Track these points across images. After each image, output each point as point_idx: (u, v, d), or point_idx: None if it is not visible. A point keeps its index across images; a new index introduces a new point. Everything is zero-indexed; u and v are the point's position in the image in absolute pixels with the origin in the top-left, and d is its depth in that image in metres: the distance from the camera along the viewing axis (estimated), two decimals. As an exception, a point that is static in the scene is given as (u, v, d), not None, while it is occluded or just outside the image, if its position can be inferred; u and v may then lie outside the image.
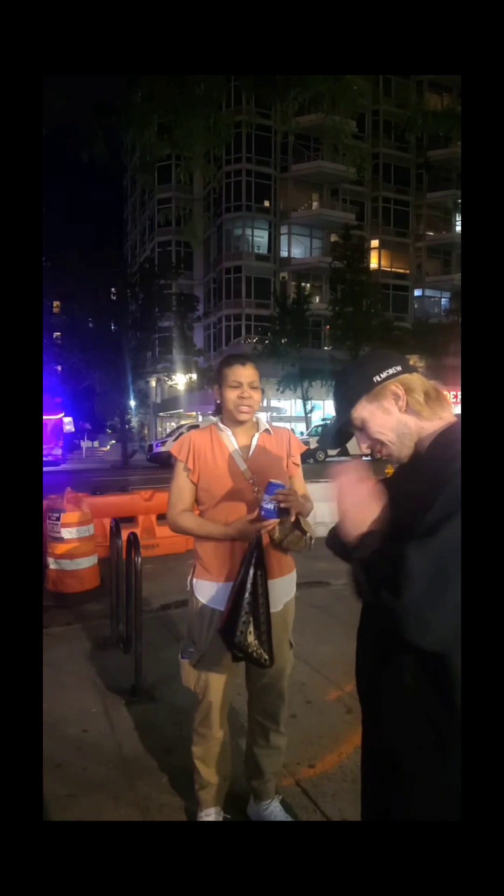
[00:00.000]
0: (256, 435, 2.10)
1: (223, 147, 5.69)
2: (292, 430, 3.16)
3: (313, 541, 1.99)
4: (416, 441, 1.25)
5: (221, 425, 2.09)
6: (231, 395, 2.01)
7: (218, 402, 2.10)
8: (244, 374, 2.01)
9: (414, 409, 1.23)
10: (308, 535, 1.97)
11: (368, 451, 1.33)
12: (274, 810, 2.27)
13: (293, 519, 1.91)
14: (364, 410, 1.26)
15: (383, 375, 1.25)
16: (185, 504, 2.08)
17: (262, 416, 2.17)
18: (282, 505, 1.82)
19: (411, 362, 1.31)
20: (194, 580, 2.11)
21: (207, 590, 2.06)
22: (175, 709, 3.20)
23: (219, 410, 2.13)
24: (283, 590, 2.11)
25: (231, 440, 2.06)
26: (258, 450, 2.08)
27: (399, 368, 1.25)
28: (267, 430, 2.13)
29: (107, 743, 2.90)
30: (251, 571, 1.88)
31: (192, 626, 2.14)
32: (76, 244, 23.80)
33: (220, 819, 2.21)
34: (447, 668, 1.07)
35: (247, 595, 1.85)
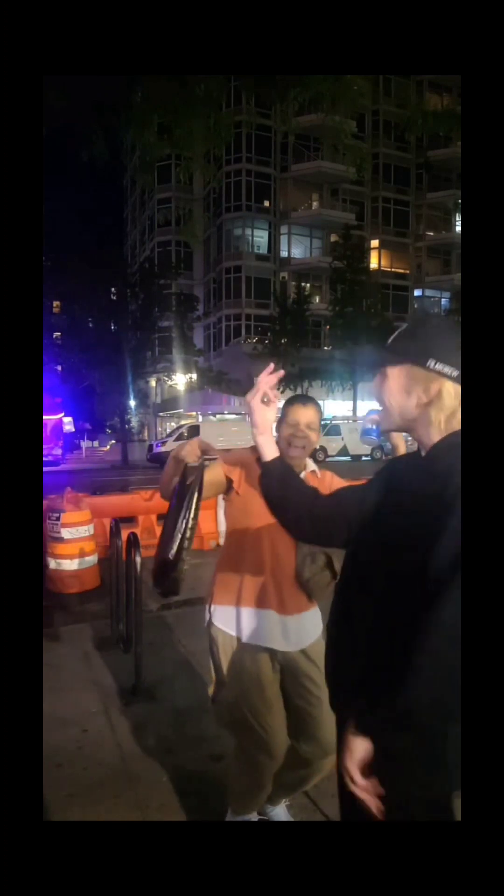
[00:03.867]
0: (303, 474, 2.05)
1: (223, 147, 5.70)
2: None
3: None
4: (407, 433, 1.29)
5: None
6: (285, 432, 1.97)
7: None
8: (304, 414, 1.97)
9: (428, 416, 1.19)
10: (336, 580, 1.93)
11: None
12: (279, 811, 2.27)
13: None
14: (396, 376, 1.23)
15: (438, 367, 1.17)
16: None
17: (309, 460, 2.11)
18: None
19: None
20: (216, 606, 2.09)
21: (228, 615, 2.05)
22: (175, 709, 3.21)
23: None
24: (303, 628, 2.03)
25: None
26: None
27: (455, 374, 1.17)
28: (314, 472, 2.09)
29: (107, 743, 2.90)
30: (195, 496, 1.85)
31: (218, 660, 2.10)
32: (76, 244, 23.76)
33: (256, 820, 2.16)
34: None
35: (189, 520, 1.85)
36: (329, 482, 2.10)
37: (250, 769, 2.02)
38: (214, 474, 2.00)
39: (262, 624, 1.98)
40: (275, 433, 2.01)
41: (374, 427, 1.77)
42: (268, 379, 1.39)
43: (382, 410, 1.27)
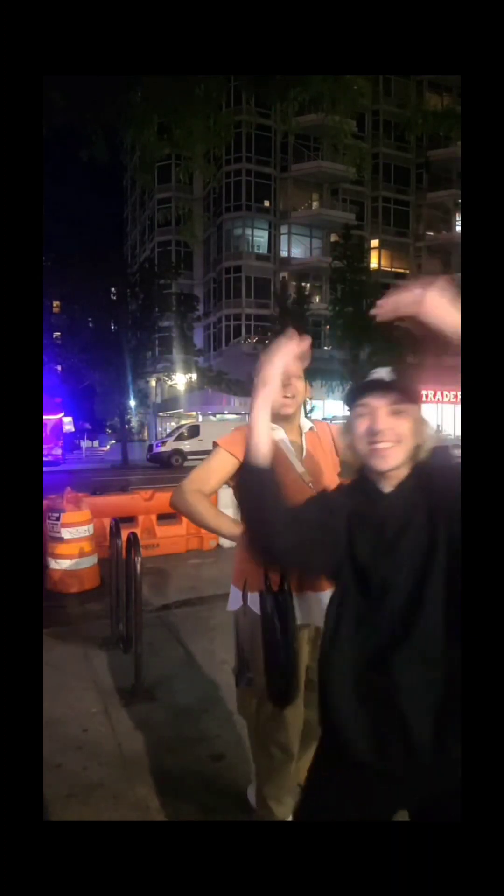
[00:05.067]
0: (304, 435, 1.98)
1: (223, 147, 5.71)
2: None
3: None
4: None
5: (272, 423, 1.98)
6: None
7: None
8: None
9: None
10: None
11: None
12: None
13: None
14: (413, 413, 1.22)
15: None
16: (206, 486, 1.92)
17: (304, 419, 2.05)
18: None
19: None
20: (249, 593, 1.91)
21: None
22: (175, 709, 3.21)
23: None
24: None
25: (285, 440, 1.92)
26: (310, 451, 1.96)
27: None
28: (312, 429, 2.03)
29: (107, 743, 2.90)
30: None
31: (246, 646, 1.95)
32: (76, 244, 23.78)
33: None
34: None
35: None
36: (328, 432, 2.04)
37: (268, 754, 1.98)
38: (224, 469, 1.90)
39: (308, 604, 1.89)
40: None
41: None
42: (288, 348, 1.25)
43: (398, 447, 1.21)
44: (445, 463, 1.23)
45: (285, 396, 1.86)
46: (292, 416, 1.94)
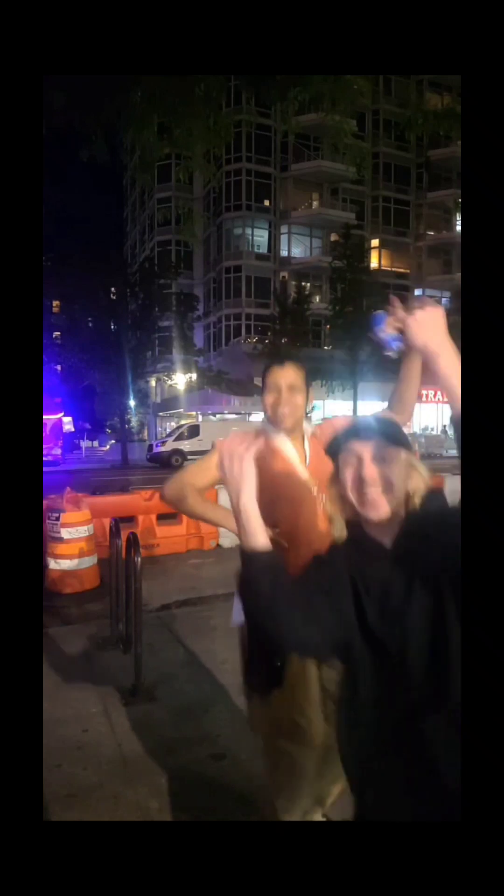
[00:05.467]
0: (306, 440, 1.92)
1: (223, 146, 5.70)
2: None
3: None
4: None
5: (272, 429, 1.89)
6: (269, 400, 1.84)
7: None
8: (282, 375, 1.82)
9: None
10: None
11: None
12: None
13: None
14: (402, 460, 1.17)
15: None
16: (199, 480, 1.89)
17: (305, 424, 1.97)
18: (398, 324, 1.67)
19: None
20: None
21: None
22: (175, 709, 3.21)
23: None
24: None
25: (287, 445, 1.88)
26: (313, 456, 1.90)
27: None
28: (314, 434, 1.96)
29: (107, 743, 2.90)
30: None
31: (254, 661, 1.88)
32: (76, 244, 23.77)
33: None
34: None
35: None
36: (332, 434, 1.98)
37: (281, 769, 1.93)
38: (210, 466, 1.85)
39: None
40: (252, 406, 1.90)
41: (396, 333, 1.64)
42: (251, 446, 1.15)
43: (389, 494, 1.15)
44: (442, 509, 1.17)
45: (282, 410, 1.82)
46: (289, 429, 1.88)
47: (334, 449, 1.22)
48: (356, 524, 1.22)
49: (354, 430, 1.20)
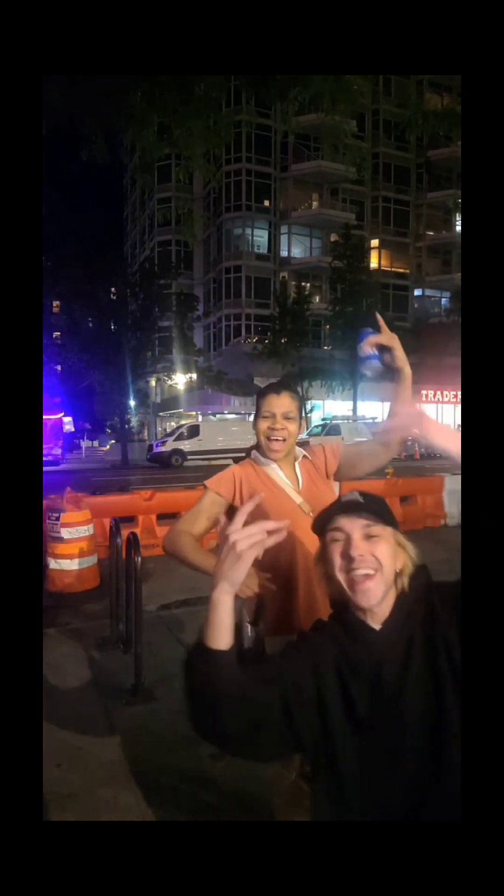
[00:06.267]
0: (297, 464, 1.90)
1: (223, 147, 5.71)
2: None
3: None
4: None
5: (262, 458, 1.87)
6: (262, 426, 1.82)
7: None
8: (278, 404, 1.81)
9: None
10: None
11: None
12: None
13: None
14: (389, 537, 1.15)
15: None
16: (195, 527, 1.87)
17: (297, 447, 1.94)
18: (383, 342, 1.61)
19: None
20: (265, 637, 1.74)
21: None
22: (175, 709, 3.21)
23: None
24: None
25: (279, 473, 1.86)
26: (306, 480, 1.88)
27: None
28: (306, 457, 1.93)
29: (107, 743, 2.90)
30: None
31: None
32: (76, 244, 23.74)
33: None
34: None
35: None
36: (322, 457, 1.93)
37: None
38: (210, 504, 1.84)
39: None
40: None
41: (374, 352, 1.60)
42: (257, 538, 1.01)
43: (378, 575, 1.10)
44: (433, 585, 1.15)
45: (276, 439, 1.81)
46: (281, 454, 1.85)
47: (321, 526, 1.19)
48: (342, 603, 1.16)
49: (342, 505, 1.17)
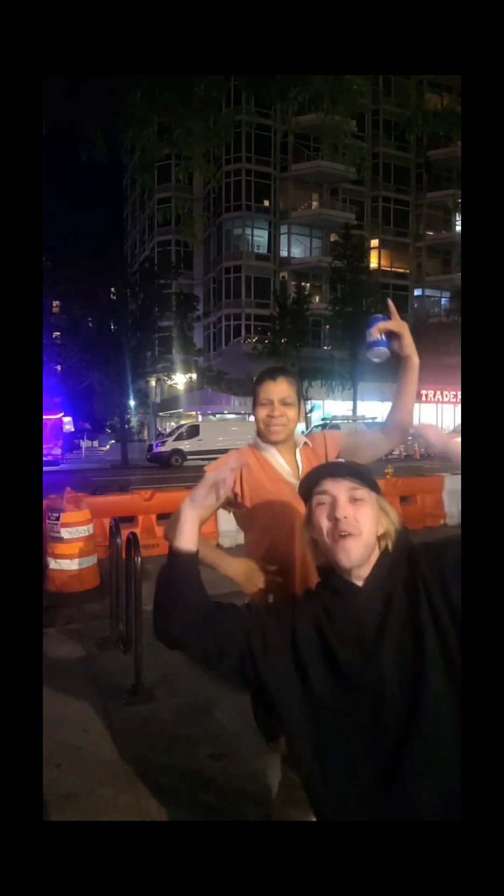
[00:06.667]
0: (298, 451, 1.89)
1: (223, 147, 5.71)
2: None
3: None
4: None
5: (262, 444, 1.88)
6: (261, 414, 1.82)
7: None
8: (275, 390, 1.82)
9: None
10: None
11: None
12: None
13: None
14: (373, 501, 1.19)
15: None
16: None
17: (298, 434, 1.93)
18: (393, 328, 1.62)
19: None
20: None
21: None
22: (175, 708, 3.21)
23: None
24: None
25: (279, 460, 1.85)
26: (307, 466, 1.85)
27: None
28: (306, 444, 1.92)
29: (107, 743, 2.90)
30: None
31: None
32: (76, 244, 23.74)
33: None
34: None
35: None
36: (323, 444, 1.93)
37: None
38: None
39: None
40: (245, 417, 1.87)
41: (381, 337, 1.61)
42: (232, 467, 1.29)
43: (359, 538, 1.14)
44: (416, 546, 1.19)
45: (275, 426, 1.81)
46: (281, 442, 1.86)
47: (307, 489, 1.22)
48: (328, 568, 1.21)
49: (327, 468, 1.22)
